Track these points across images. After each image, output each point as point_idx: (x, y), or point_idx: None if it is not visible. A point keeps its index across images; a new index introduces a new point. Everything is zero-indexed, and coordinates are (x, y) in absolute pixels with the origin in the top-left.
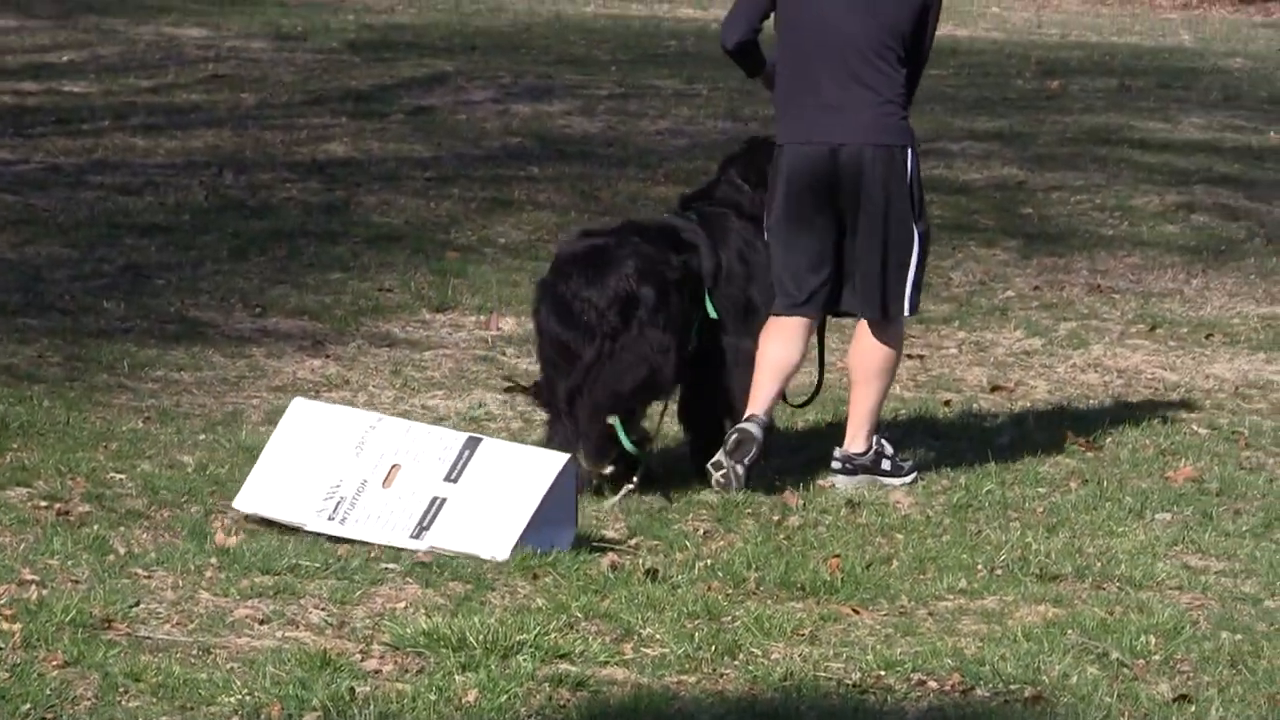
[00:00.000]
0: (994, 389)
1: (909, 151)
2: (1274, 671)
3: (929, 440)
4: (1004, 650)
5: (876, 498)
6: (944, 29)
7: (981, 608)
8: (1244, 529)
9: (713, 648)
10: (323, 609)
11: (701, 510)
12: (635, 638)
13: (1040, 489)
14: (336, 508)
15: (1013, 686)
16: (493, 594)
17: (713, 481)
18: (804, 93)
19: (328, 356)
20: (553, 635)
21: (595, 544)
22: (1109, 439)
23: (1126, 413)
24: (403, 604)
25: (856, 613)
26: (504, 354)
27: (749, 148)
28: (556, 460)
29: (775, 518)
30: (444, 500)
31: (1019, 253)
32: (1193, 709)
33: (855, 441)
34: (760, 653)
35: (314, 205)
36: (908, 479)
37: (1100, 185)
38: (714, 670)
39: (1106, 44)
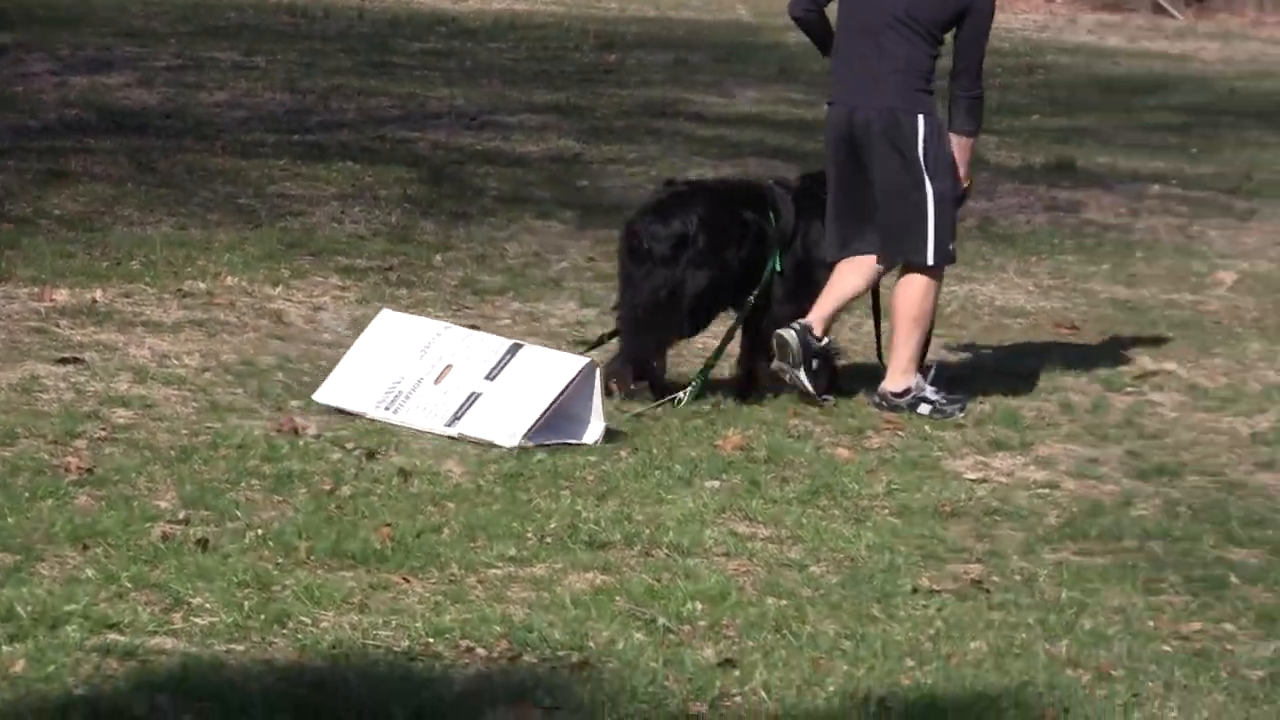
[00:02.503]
0: None
1: (919, 118)
2: (818, 636)
3: None
4: (552, 617)
5: (429, 466)
6: (503, 4)
7: (531, 575)
8: (790, 496)
9: (262, 617)
10: None
11: (254, 480)
12: (185, 607)
13: (591, 457)
14: (394, 400)
15: (560, 653)
16: (42, 564)
17: (785, 380)
18: (840, 61)
19: None
20: (102, 605)
21: (148, 518)
22: (661, 408)
23: (678, 381)
24: None
25: (407, 581)
26: (58, 326)
27: None
28: (577, 363)
29: (327, 486)
30: (479, 395)
31: (574, 224)
32: (737, 673)
33: (894, 380)
34: (310, 621)
35: None
36: (950, 418)
37: (655, 158)
38: (263, 639)
39: (664, 18)
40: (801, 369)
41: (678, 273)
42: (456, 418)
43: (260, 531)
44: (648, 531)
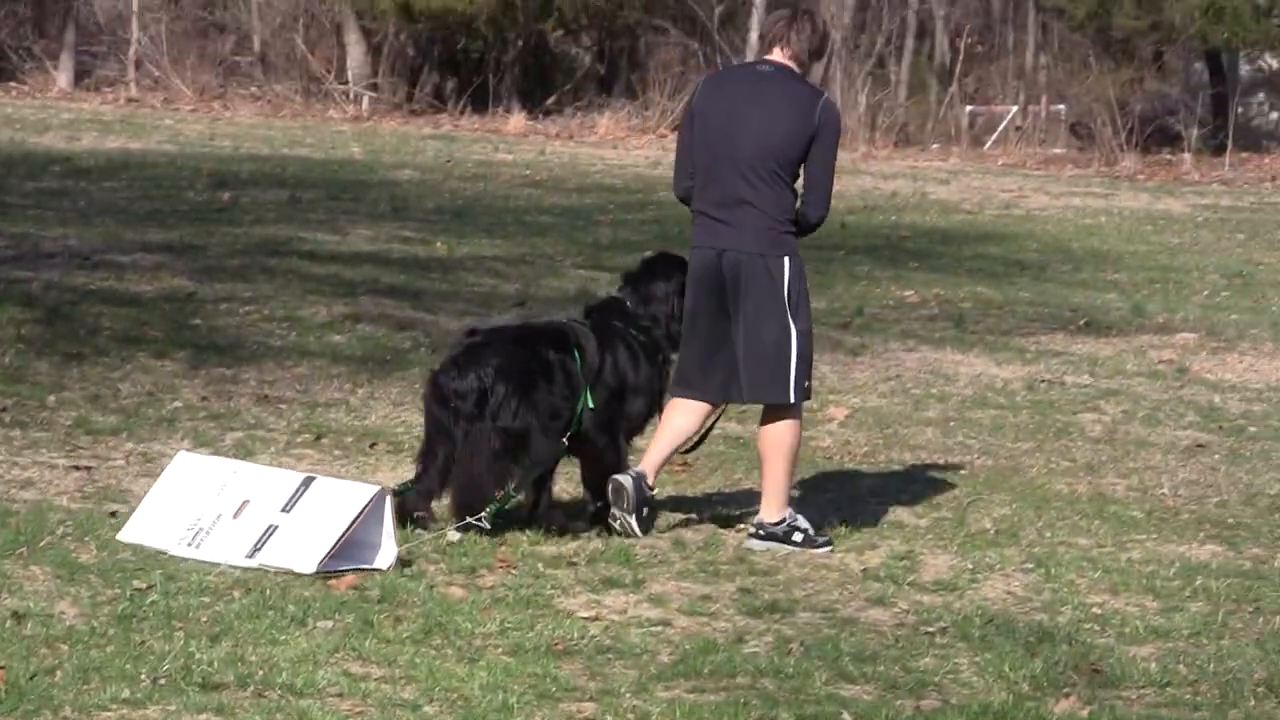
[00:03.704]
0: None
1: (784, 260)
2: None
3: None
4: None
5: (42, 609)
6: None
7: (144, 718)
8: (404, 635)
9: None
10: None
11: None
12: None
13: (205, 598)
14: (195, 536)
15: None
16: None
17: (616, 529)
18: (704, 205)
19: None
20: None
21: None
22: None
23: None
24: None
25: None
26: None
27: (642, 269)
28: (367, 492)
29: None
30: (277, 526)
31: (188, 363)
32: None
33: (768, 511)
34: None
35: None
36: (821, 550)
37: (269, 296)
38: None
39: (278, 156)
40: (634, 515)
41: (485, 424)
42: (256, 549)
43: None
44: (261, 673)
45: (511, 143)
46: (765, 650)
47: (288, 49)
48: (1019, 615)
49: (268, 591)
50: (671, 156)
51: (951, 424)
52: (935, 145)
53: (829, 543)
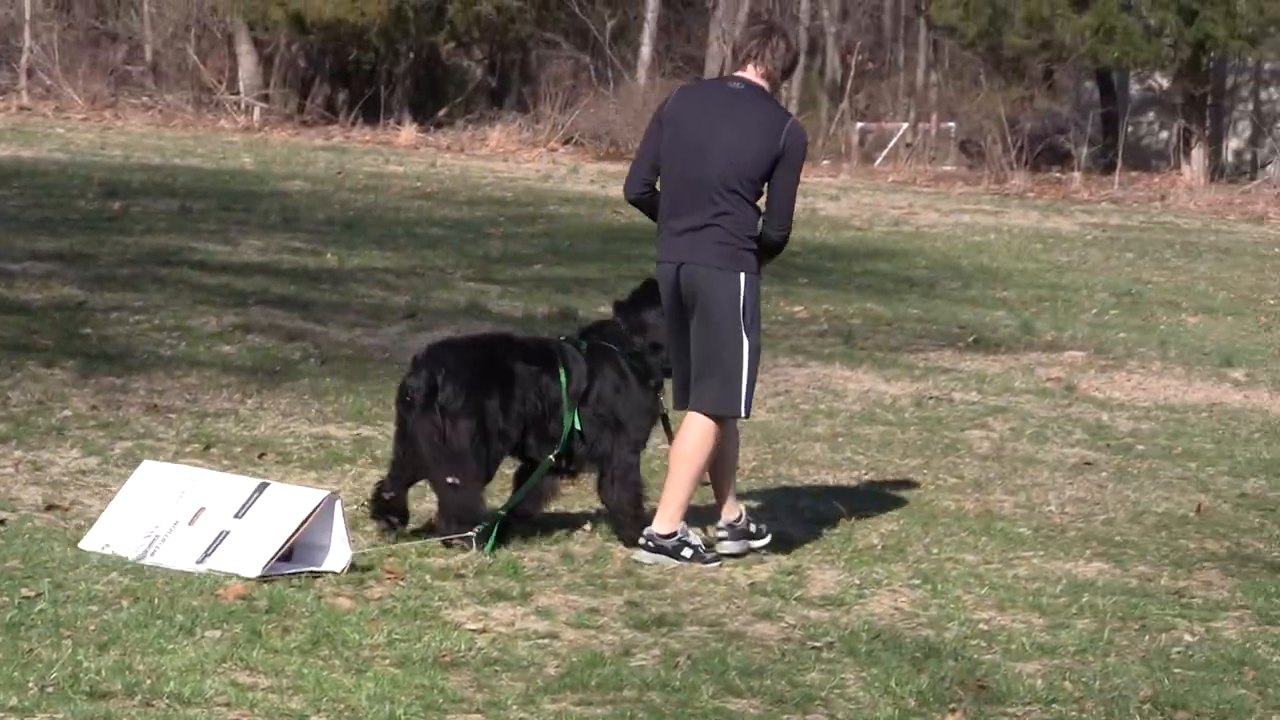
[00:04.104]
0: (49, 508)
1: (741, 276)
2: None
3: None
4: None
5: None
6: (8, 150)
7: None
8: (291, 645)
9: None
10: None
11: None
12: None
13: (93, 607)
14: (152, 544)
15: None
16: None
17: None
18: (668, 220)
19: None
20: None
21: None
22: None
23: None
24: None
25: None
26: None
27: (636, 295)
28: (316, 496)
29: None
30: (229, 532)
31: (78, 372)
32: None
33: (661, 524)
34: None
35: None
36: (709, 565)
37: (160, 306)
38: None
39: (170, 165)
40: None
41: (436, 420)
42: (207, 554)
43: None
44: (149, 682)
45: (402, 155)
46: (652, 664)
47: (179, 59)
48: (906, 631)
49: (156, 600)
50: (564, 170)
51: (839, 440)
52: (825, 161)
53: (717, 559)
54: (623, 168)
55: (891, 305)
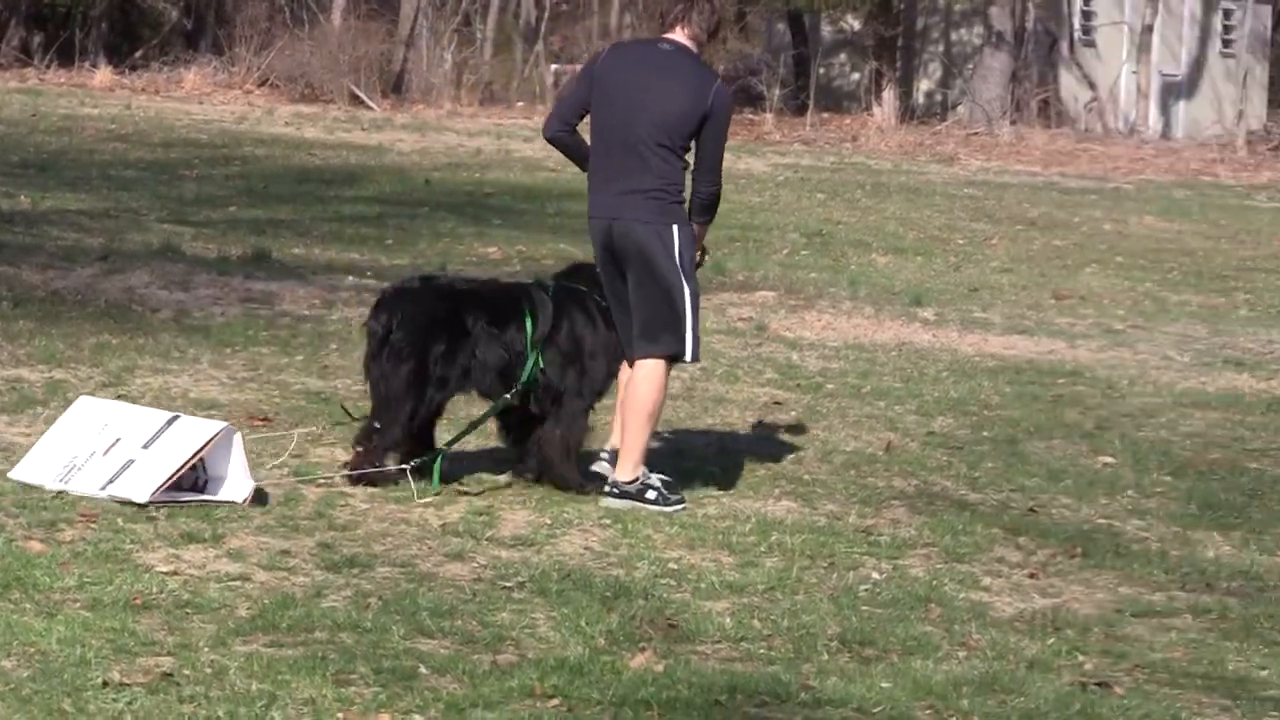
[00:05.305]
0: None
1: (674, 228)
2: None
3: None
4: None
5: None
6: None
7: None
8: None
9: None
10: None
11: None
12: None
13: None
14: (68, 473)
15: None
16: None
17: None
18: (598, 177)
19: None
20: None
21: None
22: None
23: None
24: None
25: None
26: None
27: None
28: (213, 427)
29: None
30: (134, 461)
31: None
32: None
33: (624, 470)
34: None
35: None
36: (671, 509)
37: None
38: None
39: None
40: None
41: (383, 364)
42: (110, 481)
43: None
44: None
45: (98, 97)
46: (344, 605)
47: None
48: (596, 570)
49: None
50: (259, 112)
51: None
52: (520, 103)
53: (681, 500)
54: (318, 109)
55: (583, 246)
